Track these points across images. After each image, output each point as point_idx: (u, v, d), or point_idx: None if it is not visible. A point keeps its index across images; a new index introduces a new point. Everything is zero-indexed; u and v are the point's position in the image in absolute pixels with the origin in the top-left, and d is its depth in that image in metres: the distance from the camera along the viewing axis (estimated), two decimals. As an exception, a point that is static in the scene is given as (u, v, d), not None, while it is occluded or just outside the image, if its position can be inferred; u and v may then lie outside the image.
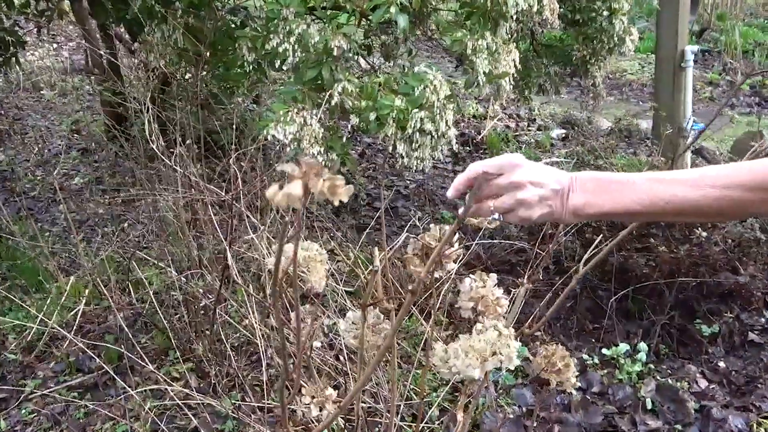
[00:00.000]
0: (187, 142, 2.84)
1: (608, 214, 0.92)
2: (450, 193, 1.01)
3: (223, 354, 2.52)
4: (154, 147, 2.71)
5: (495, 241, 3.46)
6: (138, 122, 3.22)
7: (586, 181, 0.92)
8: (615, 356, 2.82)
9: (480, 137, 6.03)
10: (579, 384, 1.41)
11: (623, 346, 2.84)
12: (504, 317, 1.41)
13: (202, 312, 2.73)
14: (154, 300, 2.57)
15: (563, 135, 6.15)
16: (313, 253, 1.31)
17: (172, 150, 2.78)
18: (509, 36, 3.11)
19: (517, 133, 6.28)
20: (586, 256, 1.52)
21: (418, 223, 2.98)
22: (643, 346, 2.85)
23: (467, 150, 5.83)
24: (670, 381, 2.67)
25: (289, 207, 0.75)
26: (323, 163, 2.98)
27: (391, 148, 2.99)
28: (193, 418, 2.21)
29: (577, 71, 4.34)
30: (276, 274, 0.77)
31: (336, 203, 0.69)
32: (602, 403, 2.59)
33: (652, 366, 2.79)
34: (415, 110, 2.81)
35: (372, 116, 2.87)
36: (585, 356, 2.87)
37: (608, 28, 3.91)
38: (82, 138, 5.29)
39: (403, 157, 3.02)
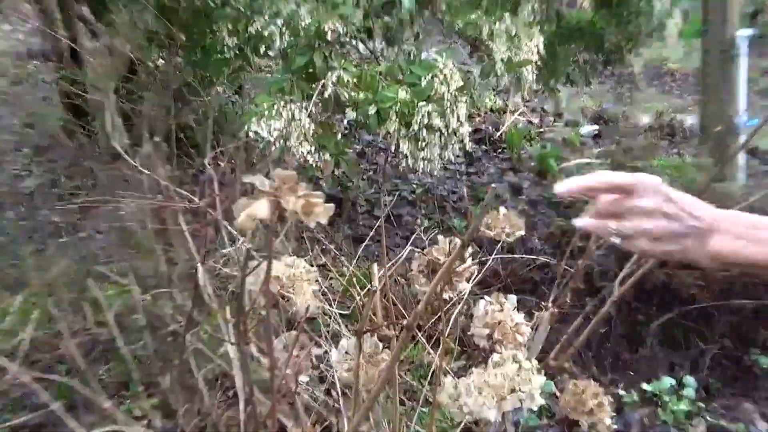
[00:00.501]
0: (156, 139, 2.82)
1: (758, 268, 0.89)
2: (560, 188, 0.97)
3: (193, 388, 2.49)
4: (117, 144, 2.68)
5: (515, 255, 3.43)
6: (100, 116, 3.20)
7: (737, 223, 0.90)
8: (657, 392, 2.79)
9: (498, 134, 6.01)
10: (615, 426, 1.39)
11: (667, 381, 2.80)
12: (525, 347, 1.38)
13: (171, 338, 2.68)
14: (114, 324, 2.54)
15: (595, 132, 6.13)
16: (300, 270, 1.29)
17: (138, 148, 2.75)
18: (532, 18, 3.10)
19: (541, 130, 6.27)
20: (622, 274, 1.50)
21: (423, 235, 2.95)
22: (690, 380, 2.82)
23: (483, 149, 5.82)
24: (723, 422, 2.64)
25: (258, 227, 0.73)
26: (314, 164, 2.98)
27: (393, 146, 2.97)
28: (158, 464, 2.18)
29: (611, 59, 4.33)
30: (241, 302, 0.75)
31: (312, 224, 0.66)
32: (642, 448, 2.56)
33: (701, 404, 2.75)
34: (422, 103, 2.80)
35: (372, 110, 2.85)
36: (622, 392, 2.84)
37: (646, 9, 3.89)
38: (36, 133, 5.29)
39: (407, 158, 3.00)
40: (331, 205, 0.64)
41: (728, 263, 0.89)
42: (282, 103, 2.78)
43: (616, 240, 0.95)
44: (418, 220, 4.42)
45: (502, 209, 1.46)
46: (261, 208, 0.62)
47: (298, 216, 0.63)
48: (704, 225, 0.89)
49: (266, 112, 2.76)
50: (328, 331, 2.51)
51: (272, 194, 0.63)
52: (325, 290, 2.82)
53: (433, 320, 2.90)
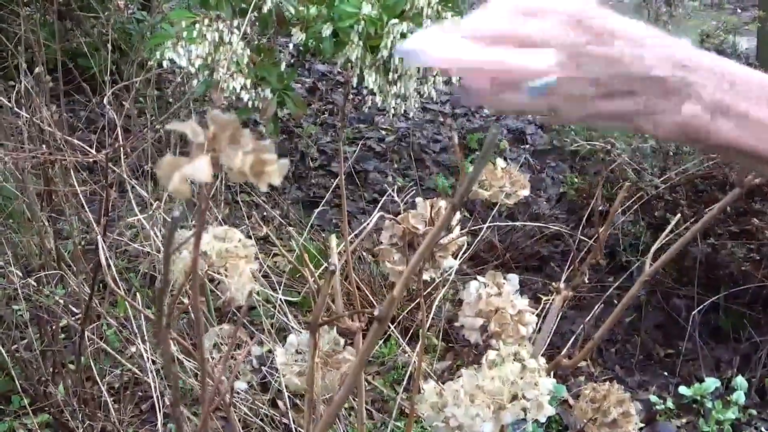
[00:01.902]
0: (37, 70, 2.78)
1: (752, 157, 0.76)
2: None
3: (96, 400, 2.49)
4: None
5: (517, 223, 3.46)
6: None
7: (731, 74, 0.75)
8: (699, 397, 2.85)
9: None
10: (644, 441, 1.42)
11: (711, 382, 2.86)
12: (530, 341, 1.41)
13: (64, 336, 2.67)
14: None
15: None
16: (235, 245, 1.29)
17: (13, 83, 2.71)
18: None
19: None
20: (655, 246, 1.52)
21: (397, 198, 2.96)
22: (740, 381, 2.88)
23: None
24: (780, 433, 2.71)
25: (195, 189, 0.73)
26: (250, 103, 2.96)
27: (356, 80, 2.96)
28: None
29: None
30: (164, 287, 0.75)
31: (263, 187, 0.66)
32: (679, 468, 2.62)
33: (754, 412, 2.82)
34: (394, 21, 2.79)
35: (326, 30, 2.83)
36: (653, 398, 2.90)
37: None
38: None
39: (375, 95, 2.99)
40: (286, 162, 0.64)
41: (714, 142, 0.76)
42: (206, 21, 2.75)
43: (528, 91, 0.74)
44: (389, 178, 4.43)
45: (500, 161, 1.47)
46: (201, 168, 0.62)
47: (246, 177, 0.63)
48: (682, 74, 0.74)
49: (184, 34, 2.73)
50: (271, 324, 2.52)
51: (210, 147, 0.63)
52: (267, 271, 2.82)
53: (409, 308, 2.94)
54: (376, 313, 0.83)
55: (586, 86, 0.73)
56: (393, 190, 2.91)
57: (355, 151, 4.51)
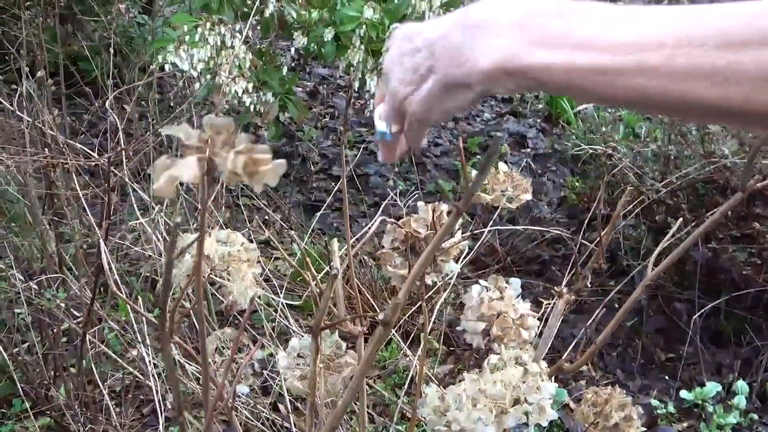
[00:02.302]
0: (39, 73, 2.78)
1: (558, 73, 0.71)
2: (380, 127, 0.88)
3: (97, 404, 2.49)
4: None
5: (518, 227, 3.47)
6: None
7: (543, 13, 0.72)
8: (700, 401, 2.85)
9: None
10: (645, 445, 1.42)
11: (712, 386, 2.86)
12: (532, 345, 1.41)
13: (65, 339, 2.67)
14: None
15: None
16: (237, 249, 1.29)
17: (14, 86, 2.71)
18: None
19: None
20: (657, 251, 1.52)
21: (399, 201, 2.96)
22: (742, 385, 2.88)
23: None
24: (782, 438, 2.71)
25: (186, 191, 0.73)
26: (252, 107, 2.96)
27: (358, 83, 2.96)
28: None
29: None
30: (166, 288, 0.75)
31: (258, 188, 0.66)
32: (680, 473, 2.62)
33: (755, 416, 2.82)
34: (395, 25, 2.78)
35: (328, 34, 2.83)
36: (655, 402, 2.90)
37: None
38: None
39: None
40: (282, 162, 0.64)
41: (519, 70, 0.72)
42: (208, 25, 2.75)
43: (381, 123, 0.86)
44: (390, 182, 4.43)
45: (502, 165, 1.47)
46: (187, 169, 0.62)
47: (239, 178, 0.63)
48: (452, 26, 0.75)
49: (187, 38, 2.73)
50: (273, 328, 2.52)
51: (202, 149, 0.63)
52: (269, 274, 2.82)
53: (410, 312, 2.94)
54: (380, 317, 0.83)
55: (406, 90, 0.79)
56: (396, 194, 2.91)
57: (356, 154, 4.51)
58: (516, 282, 1.43)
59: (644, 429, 1.44)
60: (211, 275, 1.24)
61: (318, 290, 1.55)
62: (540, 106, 5.51)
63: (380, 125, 0.84)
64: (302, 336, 1.43)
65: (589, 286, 3.04)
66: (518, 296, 1.41)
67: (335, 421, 1.09)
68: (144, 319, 2.24)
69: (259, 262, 1.32)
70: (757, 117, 0.64)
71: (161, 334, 0.84)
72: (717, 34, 0.63)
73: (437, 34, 0.75)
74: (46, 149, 2.53)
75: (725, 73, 0.63)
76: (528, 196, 1.47)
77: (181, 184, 0.63)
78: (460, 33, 0.73)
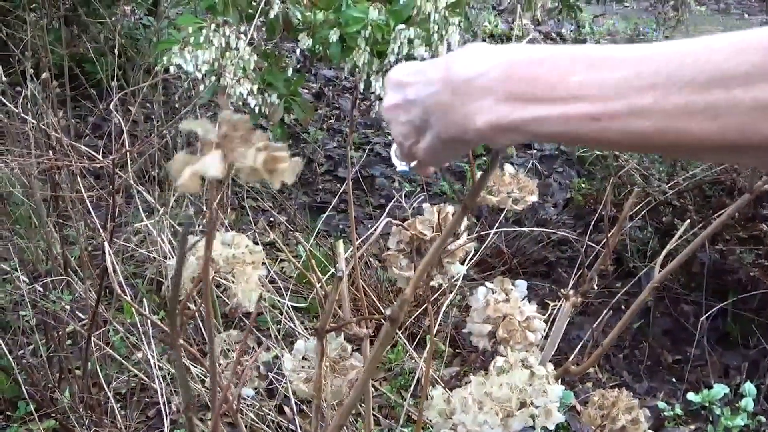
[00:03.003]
0: (43, 75, 2.78)
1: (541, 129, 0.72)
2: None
3: (102, 406, 2.49)
4: (-9, 83, 2.64)
5: (524, 229, 3.46)
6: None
7: (515, 70, 0.73)
8: (707, 403, 2.84)
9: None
10: (653, 449, 1.41)
11: (719, 389, 2.85)
12: (538, 347, 1.40)
13: (70, 341, 2.67)
14: (-7, 323, 2.53)
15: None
16: (242, 251, 1.29)
17: (19, 88, 2.72)
18: None
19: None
20: (664, 252, 1.52)
21: (404, 203, 2.96)
22: (749, 387, 2.87)
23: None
24: (790, 441, 2.70)
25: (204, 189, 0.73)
26: (257, 108, 2.96)
27: (363, 85, 2.96)
28: (56, 507, 2.19)
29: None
30: (176, 288, 0.75)
31: (276, 185, 0.66)
32: (687, 475, 2.61)
33: (762, 418, 2.81)
34: (401, 26, 2.79)
35: (333, 36, 2.83)
36: (662, 404, 2.89)
37: None
38: None
39: (382, 100, 2.99)
40: (299, 160, 0.64)
41: (520, 135, 0.73)
42: (213, 26, 2.75)
43: (399, 164, 0.93)
44: (396, 183, 4.43)
45: (508, 167, 1.47)
46: (212, 164, 0.61)
47: (259, 174, 0.62)
48: (440, 85, 0.77)
49: (191, 39, 2.73)
50: (278, 330, 2.52)
51: (221, 145, 0.63)
52: (274, 276, 2.82)
53: (416, 314, 2.93)
54: (387, 312, 0.82)
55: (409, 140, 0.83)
56: (401, 196, 2.91)
57: (361, 156, 4.51)
58: (522, 284, 1.43)
59: (651, 431, 1.43)
60: (216, 277, 1.24)
61: (323, 292, 1.55)
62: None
63: (399, 165, 0.91)
64: (308, 338, 1.42)
65: (596, 288, 3.03)
66: (524, 298, 1.41)
67: (341, 420, 1.09)
68: (149, 321, 2.24)
69: (264, 264, 1.32)
70: (753, 149, 0.64)
71: (170, 333, 0.84)
72: (706, 69, 0.63)
73: (426, 92, 0.78)
74: (51, 151, 2.53)
75: (718, 108, 0.63)
76: (534, 198, 1.47)
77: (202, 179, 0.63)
78: (450, 93, 0.75)
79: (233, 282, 1.26)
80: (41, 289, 2.57)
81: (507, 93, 0.71)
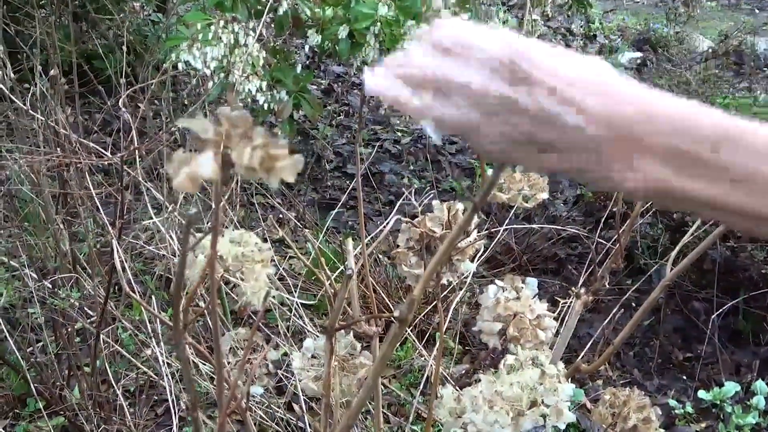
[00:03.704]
0: (52, 72, 2.79)
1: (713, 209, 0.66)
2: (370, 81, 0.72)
3: (111, 404, 2.50)
4: None
5: (534, 226, 3.45)
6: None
7: (663, 121, 0.64)
8: (718, 401, 2.83)
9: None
10: (664, 446, 1.41)
11: (731, 386, 2.84)
12: (548, 346, 1.39)
13: (79, 339, 2.68)
14: (1, 320, 2.53)
15: (639, 60, 6.14)
16: (251, 249, 1.29)
17: (28, 85, 2.72)
18: None
19: (567, 58, 6.27)
20: (677, 249, 1.51)
21: (414, 199, 2.95)
22: (760, 385, 2.86)
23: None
24: (801, 439, 2.69)
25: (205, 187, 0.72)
26: (266, 105, 2.96)
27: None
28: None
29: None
30: (178, 285, 0.74)
31: (274, 184, 0.65)
32: (698, 474, 2.60)
33: (774, 416, 2.80)
34: (411, 22, 2.78)
35: (343, 32, 2.83)
36: (672, 402, 2.88)
37: None
38: None
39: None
40: (299, 157, 0.63)
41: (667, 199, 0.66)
42: (221, 23, 2.75)
43: (429, 128, 0.70)
44: (405, 180, 4.43)
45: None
46: (205, 164, 0.61)
47: (256, 173, 0.62)
48: (592, 115, 0.64)
49: (200, 36, 2.73)
50: (287, 327, 2.52)
51: (219, 144, 0.62)
52: (283, 273, 2.82)
53: (426, 311, 2.93)
54: (396, 313, 0.82)
55: (516, 140, 0.66)
56: (410, 192, 2.90)
57: (370, 152, 4.50)
58: (533, 282, 1.42)
59: (662, 430, 1.42)
60: (224, 275, 1.24)
61: (332, 290, 1.54)
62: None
63: (431, 133, 0.70)
64: (317, 336, 1.42)
65: (606, 285, 3.02)
66: (535, 296, 1.40)
67: (351, 419, 1.08)
68: (158, 319, 2.24)
69: (273, 261, 1.32)
70: None
71: (174, 330, 0.83)
72: None
73: (581, 129, 0.64)
74: (59, 148, 2.54)
75: None
76: (544, 195, 1.46)
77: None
78: (605, 132, 0.63)
79: (242, 279, 1.26)
80: (50, 286, 2.57)
81: (665, 150, 0.63)
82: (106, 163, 2.57)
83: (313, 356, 1.42)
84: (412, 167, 4.59)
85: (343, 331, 1.41)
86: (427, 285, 0.97)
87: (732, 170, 0.62)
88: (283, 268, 2.91)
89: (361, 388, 1.35)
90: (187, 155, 0.62)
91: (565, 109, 0.63)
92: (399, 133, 5.00)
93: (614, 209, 3.35)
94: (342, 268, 2.60)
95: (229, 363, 1.32)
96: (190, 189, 0.62)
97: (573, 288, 1.48)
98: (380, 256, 3.21)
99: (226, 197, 2.69)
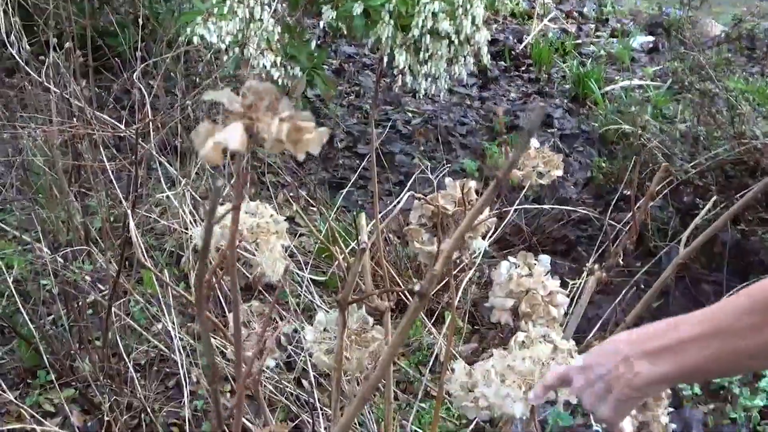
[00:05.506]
0: (67, 45, 2.78)
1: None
2: (534, 399, 1.19)
3: (122, 376, 2.50)
4: (15, 53, 2.64)
5: (545, 206, 3.44)
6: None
7: (645, 338, 1.08)
8: (726, 383, 2.83)
9: (522, 47, 5.97)
10: (672, 428, 1.41)
11: (738, 369, 2.84)
12: (560, 324, 1.39)
13: (90, 311, 2.68)
14: (14, 292, 2.54)
15: (651, 45, 6.11)
16: (266, 220, 1.29)
17: (42, 58, 2.71)
18: None
19: (579, 41, 6.24)
20: (689, 230, 1.50)
21: (430, 173, 2.95)
22: (768, 368, 2.86)
23: (501, 66, 5.78)
24: (809, 422, 2.68)
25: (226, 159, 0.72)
26: (280, 81, 2.95)
27: (386, 59, 2.94)
28: (76, 474, 2.21)
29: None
30: (204, 255, 0.74)
31: (300, 156, 0.65)
32: (705, 456, 2.60)
33: (782, 399, 2.79)
34: (425, 0, 2.76)
35: (357, 8, 2.82)
36: (681, 383, 2.88)
37: None
38: None
39: (405, 75, 2.98)
40: (325, 130, 0.62)
41: (669, 383, 1.11)
42: (236, -2, 2.75)
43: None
44: (416, 160, 4.42)
45: (534, 141, 1.45)
46: (233, 136, 0.60)
47: (283, 145, 0.61)
48: (618, 358, 1.08)
49: (215, 10, 2.72)
50: (298, 304, 2.52)
51: (246, 115, 0.61)
52: (294, 250, 2.82)
53: (435, 290, 2.93)
54: (416, 288, 0.81)
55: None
56: (427, 168, 2.90)
57: (381, 132, 4.49)
58: (545, 259, 1.42)
59: (670, 408, 1.42)
60: (236, 249, 1.23)
61: (345, 264, 1.54)
62: (567, 86, 5.47)
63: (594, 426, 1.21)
64: (329, 311, 1.42)
65: (621, 261, 3.01)
66: (547, 273, 1.40)
67: (366, 394, 1.08)
68: (170, 292, 2.24)
69: (286, 235, 1.32)
70: None
71: (196, 303, 0.83)
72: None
73: (605, 369, 1.08)
74: (74, 120, 2.54)
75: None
76: (559, 173, 1.46)
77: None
78: (622, 367, 1.07)
79: (257, 252, 1.26)
80: (62, 260, 2.58)
81: (647, 352, 1.06)
82: (119, 136, 2.57)
83: (325, 330, 1.42)
84: (422, 148, 4.58)
85: (355, 305, 1.41)
86: (450, 259, 0.96)
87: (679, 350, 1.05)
88: (294, 245, 2.91)
89: (372, 361, 1.35)
90: (212, 126, 0.62)
91: (604, 371, 1.10)
92: (410, 114, 4.99)
93: (625, 191, 3.35)
94: (353, 245, 2.60)
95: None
96: (217, 160, 0.62)
97: (587, 265, 1.47)
98: (390, 236, 3.21)
99: (243, 171, 2.69)
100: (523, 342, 1.26)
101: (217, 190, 0.66)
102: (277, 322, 1.41)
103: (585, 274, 1.49)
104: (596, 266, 1.46)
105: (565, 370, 1.15)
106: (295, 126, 0.62)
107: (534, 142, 1.47)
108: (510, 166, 0.75)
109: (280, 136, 0.62)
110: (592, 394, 1.10)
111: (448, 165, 4.07)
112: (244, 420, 1.44)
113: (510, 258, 1.41)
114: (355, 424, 2.12)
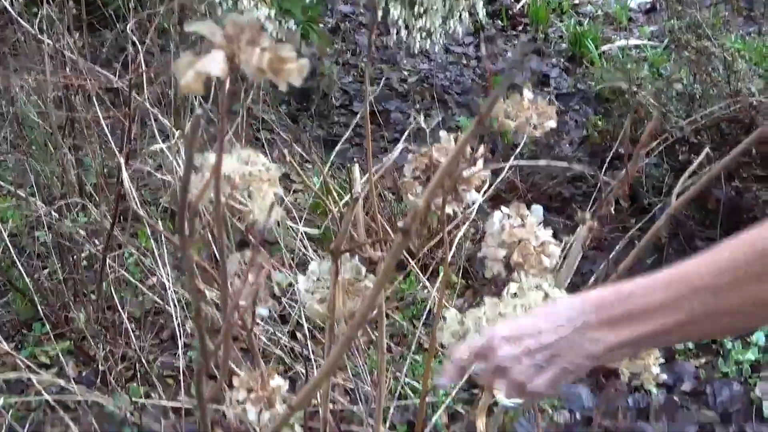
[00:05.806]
0: (59, -3, 2.75)
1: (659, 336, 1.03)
2: (440, 381, 1.18)
3: (116, 328, 2.51)
4: (8, 5, 2.61)
5: (540, 162, 3.44)
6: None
7: (604, 303, 1.02)
8: (717, 338, 2.84)
9: (519, 6, 5.93)
10: (663, 378, 1.41)
11: (730, 324, 2.86)
12: (552, 275, 1.39)
13: (85, 264, 2.69)
14: (9, 246, 2.54)
15: (648, 5, 6.07)
16: (258, 168, 1.28)
17: (35, 10, 2.69)
18: None
19: (576, 1, 6.19)
20: (680, 183, 1.50)
21: (425, 125, 2.93)
22: (759, 324, 2.87)
23: (498, 25, 5.75)
24: (798, 377, 2.70)
25: (211, 93, 0.71)
26: (274, 34, 2.93)
27: (380, 14, 2.92)
28: (71, 424, 2.21)
29: None
30: (183, 200, 0.74)
31: (282, 87, 0.64)
32: (697, 407, 2.62)
33: (772, 354, 2.81)
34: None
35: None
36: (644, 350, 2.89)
37: None
38: None
39: (399, 31, 2.96)
40: (306, 62, 0.62)
41: (631, 351, 1.07)
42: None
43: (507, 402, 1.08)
44: (411, 118, 4.40)
45: (527, 92, 1.44)
46: (214, 63, 0.60)
47: (264, 74, 0.61)
48: (574, 323, 1.02)
49: (209, -36, 2.70)
50: (292, 258, 2.52)
51: (227, 46, 0.61)
52: (289, 206, 2.82)
53: (429, 245, 2.93)
54: (400, 224, 0.81)
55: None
56: (422, 121, 2.88)
57: (376, 90, 4.47)
58: (538, 209, 1.41)
59: (662, 361, 1.42)
60: (229, 201, 1.22)
61: (339, 214, 1.54)
62: (564, 45, 5.45)
63: (509, 402, 1.07)
64: (322, 261, 1.42)
65: (609, 223, 3.02)
66: (540, 224, 1.40)
67: (347, 340, 1.08)
68: (164, 244, 2.24)
69: (279, 185, 1.31)
70: None
71: (183, 245, 0.83)
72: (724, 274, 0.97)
73: (555, 337, 1.01)
74: (67, 72, 2.52)
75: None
76: (553, 124, 1.45)
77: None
78: (577, 335, 1.01)
79: (249, 201, 1.25)
80: (56, 214, 2.57)
81: (610, 327, 1.00)
82: (113, 93, 2.56)
83: (318, 279, 1.42)
84: (418, 106, 4.57)
85: (348, 254, 1.41)
86: (432, 197, 0.96)
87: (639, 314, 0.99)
88: (289, 201, 2.91)
89: (365, 301, 1.36)
90: (193, 57, 0.62)
91: (553, 337, 1.03)
92: (405, 72, 4.97)
93: (620, 149, 3.35)
94: (347, 199, 2.59)
95: (232, 285, 1.31)
96: (198, 89, 0.61)
97: (579, 214, 1.47)
98: (384, 192, 3.20)
99: (231, 130, 2.68)
100: (515, 294, 1.26)
101: (196, 118, 0.65)
102: (269, 272, 1.41)
103: (580, 225, 1.49)
104: (588, 215, 1.45)
105: (483, 341, 1.09)
106: (277, 55, 0.62)
107: (528, 94, 1.46)
108: (491, 103, 0.74)
109: (261, 65, 0.62)
110: (529, 365, 1.04)
111: (443, 124, 4.06)
112: (232, 365, 1.45)
113: (504, 208, 1.41)
114: (351, 373, 2.14)
